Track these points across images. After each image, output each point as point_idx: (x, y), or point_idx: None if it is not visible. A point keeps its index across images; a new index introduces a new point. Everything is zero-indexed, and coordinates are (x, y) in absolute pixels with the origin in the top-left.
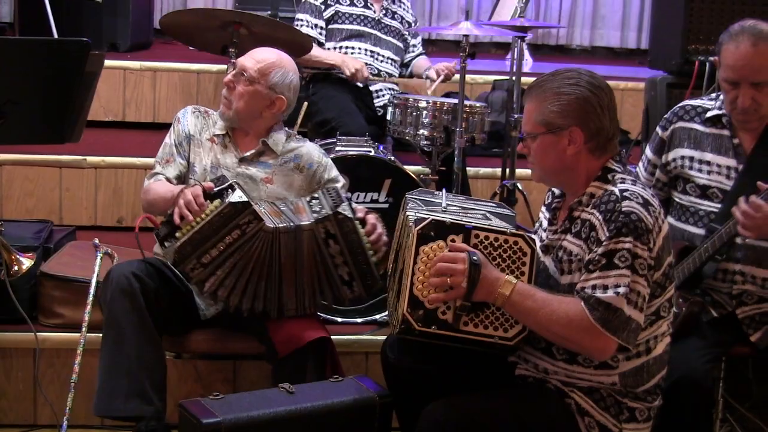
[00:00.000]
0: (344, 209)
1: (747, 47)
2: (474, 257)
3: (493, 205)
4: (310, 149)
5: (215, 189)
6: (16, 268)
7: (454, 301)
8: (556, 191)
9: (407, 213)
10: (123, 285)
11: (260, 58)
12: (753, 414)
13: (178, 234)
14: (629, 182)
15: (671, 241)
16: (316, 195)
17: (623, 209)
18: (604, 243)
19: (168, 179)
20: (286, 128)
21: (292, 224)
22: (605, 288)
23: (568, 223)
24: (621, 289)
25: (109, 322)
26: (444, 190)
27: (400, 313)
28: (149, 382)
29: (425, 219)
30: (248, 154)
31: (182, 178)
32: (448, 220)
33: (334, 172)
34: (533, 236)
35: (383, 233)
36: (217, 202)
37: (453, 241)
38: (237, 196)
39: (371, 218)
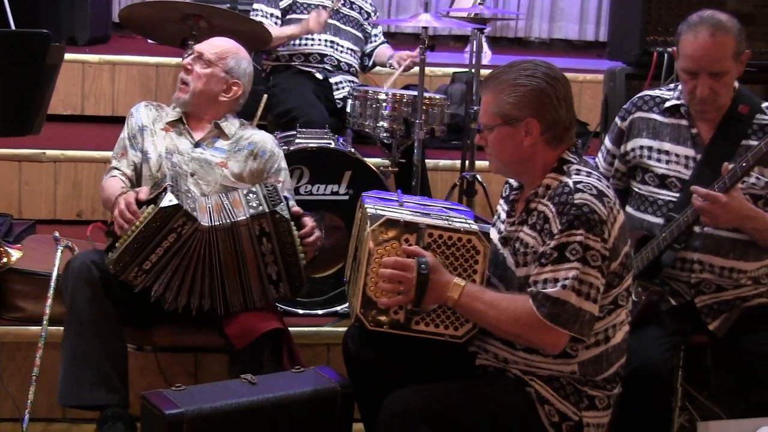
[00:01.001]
0: (282, 209)
1: (705, 37)
2: (422, 266)
3: (448, 203)
4: (265, 138)
5: (151, 195)
6: (5, 260)
7: (406, 304)
8: (514, 183)
9: (366, 208)
10: (84, 274)
11: (217, 44)
12: (711, 402)
13: (117, 244)
14: (584, 173)
15: (630, 231)
16: (253, 189)
17: (575, 201)
18: (556, 236)
19: (123, 173)
20: (242, 119)
21: (228, 220)
22: (555, 282)
23: (525, 214)
24: (568, 282)
25: (71, 312)
26: (399, 191)
27: (354, 311)
28: (114, 370)
29: (380, 218)
30: (203, 137)
31: (138, 170)
32: (402, 219)
33: (284, 165)
34: (490, 230)
35: (320, 236)
36: (150, 208)
37: (407, 240)
38: (167, 200)
39: (308, 221)
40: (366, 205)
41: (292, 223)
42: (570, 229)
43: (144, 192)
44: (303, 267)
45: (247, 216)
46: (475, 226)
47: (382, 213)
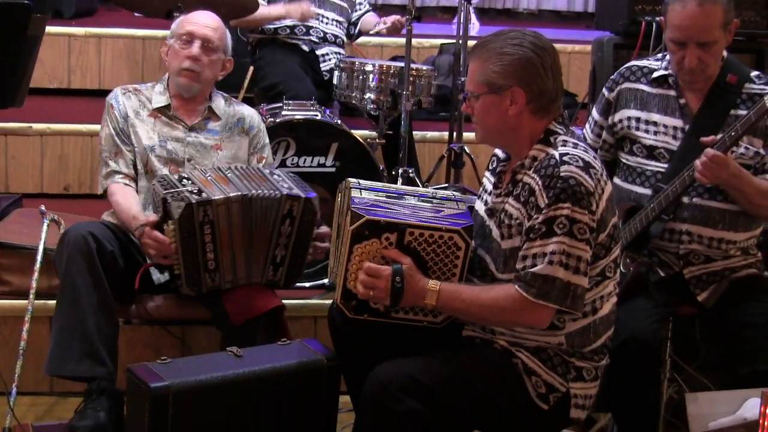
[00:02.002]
0: (315, 201)
1: (693, 7)
2: (396, 279)
3: (450, 193)
4: (252, 112)
5: (158, 216)
6: None
7: None
8: (501, 155)
9: (351, 199)
10: (80, 245)
11: (214, 24)
12: (700, 373)
13: (176, 271)
14: (570, 145)
15: (618, 202)
16: (276, 173)
17: (562, 174)
18: (543, 210)
19: (126, 175)
20: (224, 93)
21: (239, 193)
22: (544, 256)
23: (511, 186)
24: (555, 257)
25: (65, 283)
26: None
27: (335, 300)
28: (102, 343)
29: (360, 218)
30: (197, 121)
31: (136, 165)
32: (383, 219)
33: (267, 141)
34: (476, 202)
35: (327, 248)
36: (171, 223)
37: (387, 238)
38: (176, 208)
39: (326, 229)
40: (353, 194)
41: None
42: (557, 202)
43: (152, 216)
44: (305, 262)
45: (283, 194)
46: (459, 225)
47: (362, 212)
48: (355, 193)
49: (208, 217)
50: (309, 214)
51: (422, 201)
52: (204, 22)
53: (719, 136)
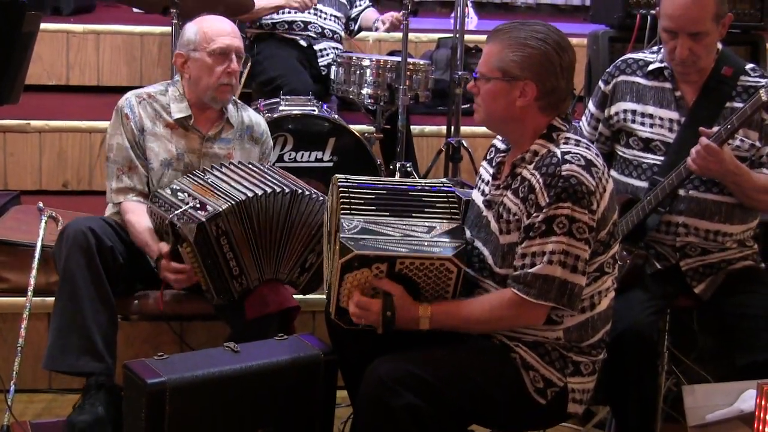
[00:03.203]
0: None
1: None
2: (387, 312)
3: (430, 182)
4: (257, 119)
5: (170, 243)
6: None
7: None
8: (500, 146)
9: (340, 219)
10: (79, 241)
11: (236, 31)
12: (698, 365)
13: (203, 287)
14: (573, 142)
15: (615, 195)
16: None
17: (563, 173)
18: (544, 209)
19: (139, 192)
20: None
21: (280, 188)
22: (543, 255)
23: (510, 179)
24: (555, 257)
25: (65, 278)
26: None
27: (330, 313)
28: (101, 339)
29: (349, 251)
30: (212, 132)
31: (149, 182)
32: (372, 253)
33: (271, 144)
34: (472, 194)
35: None
36: (185, 246)
37: (378, 268)
38: (189, 231)
39: None
40: (342, 216)
41: None
42: (558, 201)
43: (164, 246)
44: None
45: (323, 199)
46: (450, 252)
47: (351, 246)
48: (344, 212)
49: (221, 229)
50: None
51: (414, 214)
52: (232, 31)
53: (715, 128)
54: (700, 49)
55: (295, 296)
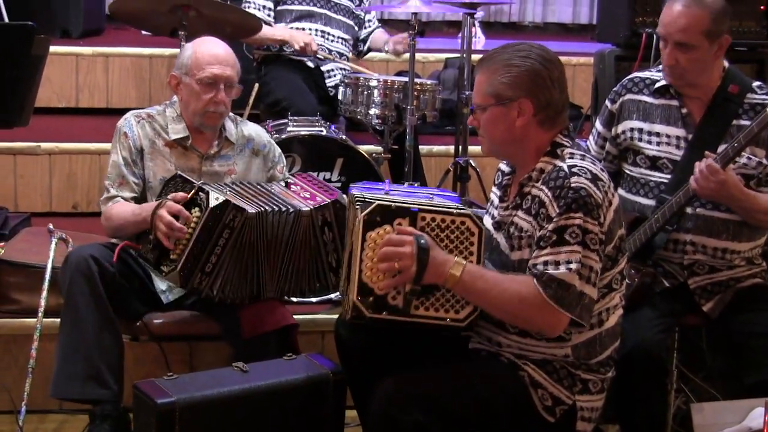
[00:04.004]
0: (341, 198)
1: (678, 6)
2: (421, 240)
3: (437, 190)
4: (257, 130)
5: (187, 198)
6: None
7: (404, 286)
8: (506, 169)
9: (355, 203)
10: (82, 268)
11: (231, 59)
12: (707, 384)
13: (173, 256)
14: (578, 157)
15: (622, 213)
16: (291, 180)
17: (572, 185)
18: (554, 219)
19: (126, 200)
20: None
21: (284, 208)
22: (557, 264)
23: (519, 199)
24: (573, 265)
25: (68, 305)
26: (388, 181)
27: (350, 300)
28: (106, 365)
29: (370, 204)
30: (212, 151)
31: (139, 199)
32: (394, 204)
33: (279, 151)
34: (481, 214)
35: None
36: (196, 211)
37: (399, 224)
38: (213, 198)
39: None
40: (354, 194)
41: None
42: (568, 212)
43: (180, 198)
44: None
45: (311, 208)
46: (467, 209)
47: (372, 200)
48: (356, 192)
49: (234, 222)
50: (342, 212)
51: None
52: (224, 59)
53: (722, 147)
54: (686, 62)
55: (301, 315)
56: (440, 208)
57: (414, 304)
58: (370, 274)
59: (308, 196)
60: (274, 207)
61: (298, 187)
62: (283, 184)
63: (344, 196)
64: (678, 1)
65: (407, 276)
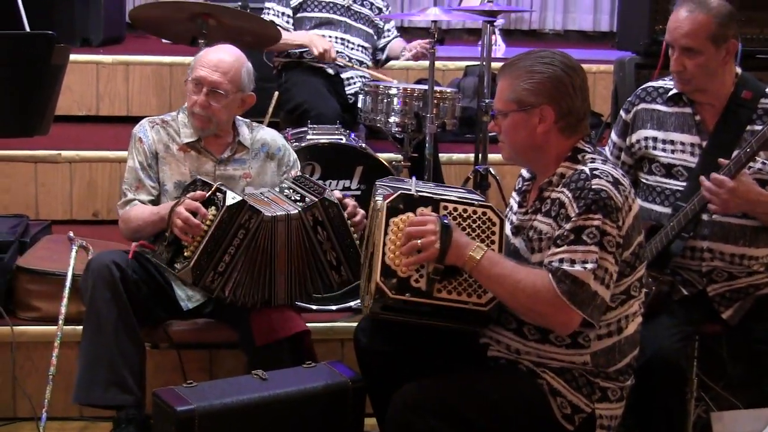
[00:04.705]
0: (329, 195)
1: (683, 12)
2: (445, 220)
3: (463, 190)
4: (272, 135)
5: (205, 197)
6: None
7: (427, 268)
8: (526, 175)
9: (376, 195)
10: (104, 274)
11: (225, 66)
12: (728, 392)
13: (186, 253)
14: (599, 161)
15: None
16: (285, 185)
17: (593, 187)
18: (573, 219)
19: (143, 203)
20: (245, 120)
21: (283, 212)
22: (572, 262)
23: (539, 203)
24: (589, 265)
25: (90, 312)
26: (414, 177)
27: (373, 285)
28: (128, 371)
29: (394, 193)
30: (226, 155)
31: (155, 202)
32: (416, 193)
33: (294, 156)
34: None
35: (364, 214)
36: (213, 210)
37: (422, 212)
38: (230, 197)
39: (349, 201)
40: (379, 187)
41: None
42: (588, 212)
43: (201, 195)
44: (358, 246)
45: (299, 210)
46: (489, 202)
47: (395, 190)
48: (382, 188)
49: (249, 223)
50: (332, 209)
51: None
52: (215, 65)
53: (735, 153)
54: (692, 67)
55: (320, 323)
56: (462, 198)
57: (436, 287)
58: (393, 257)
59: (298, 199)
60: (276, 212)
61: (290, 191)
62: (277, 190)
63: (332, 192)
64: (683, 6)
65: (430, 253)
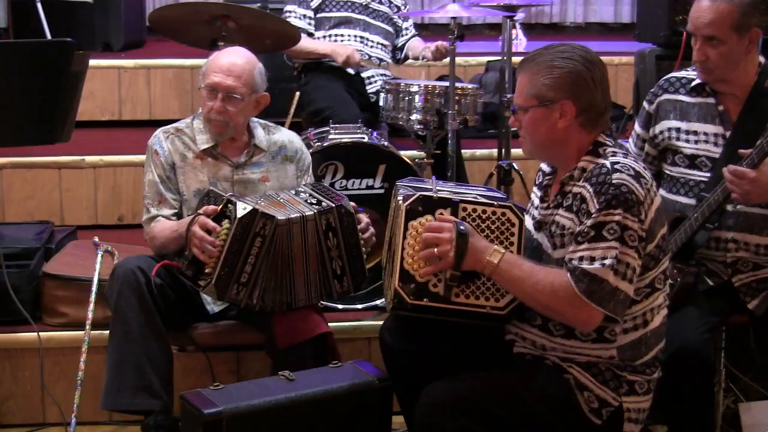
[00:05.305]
0: (347, 204)
1: (707, 1)
2: (461, 227)
3: (484, 189)
4: (290, 136)
5: (217, 212)
6: None
7: (445, 273)
8: (546, 169)
9: (398, 195)
10: (130, 280)
11: (238, 70)
12: (757, 383)
13: (207, 270)
14: (620, 155)
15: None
16: (301, 189)
17: (614, 181)
18: (593, 215)
19: (166, 218)
20: (261, 121)
21: (297, 214)
22: (592, 260)
23: (560, 197)
24: (607, 261)
25: (117, 317)
26: (434, 177)
27: (392, 288)
28: (156, 376)
29: (413, 195)
30: (243, 159)
31: (179, 214)
32: (436, 195)
33: (309, 161)
34: (525, 215)
35: (374, 233)
36: (225, 223)
37: (441, 214)
38: (241, 208)
39: (363, 217)
40: (400, 188)
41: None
42: (608, 208)
43: (212, 210)
44: (364, 261)
45: (314, 212)
46: (508, 201)
47: (415, 191)
48: (402, 190)
49: (264, 231)
50: (346, 218)
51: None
52: (228, 69)
53: (758, 142)
54: (715, 56)
55: (347, 322)
56: (481, 200)
57: (454, 291)
58: (412, 262)
59: (314, 202)
60: (291, 214)
61: (307, 195)
62: (293, 192)
63: (350, 202)
64: None
65: (447, 262)
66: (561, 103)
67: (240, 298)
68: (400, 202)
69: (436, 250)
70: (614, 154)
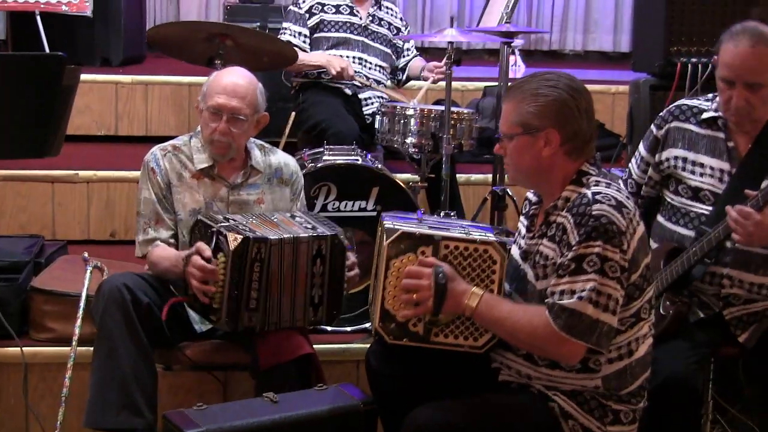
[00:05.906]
0: (341, 236)
1: (745, 47)
2: (440, 274)
3: (469, 223)
4: (286, 159)
5: (212, 246)
6: None
7: (424, 315)
8: (533, 198)
9: (384, 224)
10: (115, 297)
11: (242, 91)
12: (744, 415)
13: (215, 305)
14: (603, 184)
15: (661, 242)
16: (297, 214)
17: (594, 212)
18: (573, 248)
19: (166, 242)
20: (258, 142)
21: (291, 235)
22: (572, 293)
23: (545, 227)
24: (585, 293)
25: (101, 335)
26: (420, 212)
27: (373, 327)
28: (140, 394)
29: (395, 231)
30: (239, 180)
31: (175, 234)
32: (417, 231)
33: (302, 184)
34: (508, 240)
35: (358, 274)
36: (221, 256)
37: (423, 252)
38: (232, 239)
39: (350, 255)
40: (384, 222)
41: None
42: (588, 240)
43: (204, 250)
44: (343, 297)
45: (309, 235)
46: (492, 238)
47: (397, 227)
48: (386, 221)
49: (261, 255)
50: (337, 249)
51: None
52: (232, 90)
53: (764, 183)
54: (756, 101)
55: (335, 345)
56: (463, 237)
57: (434, 331)
58: (392, 302)
59: (310, 227)
60: (283, 234)
61: (303, 219)
62: (288, 215)
63: (343, 237)
64: (740, 40)
65: (425, 309)
66: (546, 131)
67: (254, 323)
68: (384, 239)
69: (415, 296)
70: (597, 183)
